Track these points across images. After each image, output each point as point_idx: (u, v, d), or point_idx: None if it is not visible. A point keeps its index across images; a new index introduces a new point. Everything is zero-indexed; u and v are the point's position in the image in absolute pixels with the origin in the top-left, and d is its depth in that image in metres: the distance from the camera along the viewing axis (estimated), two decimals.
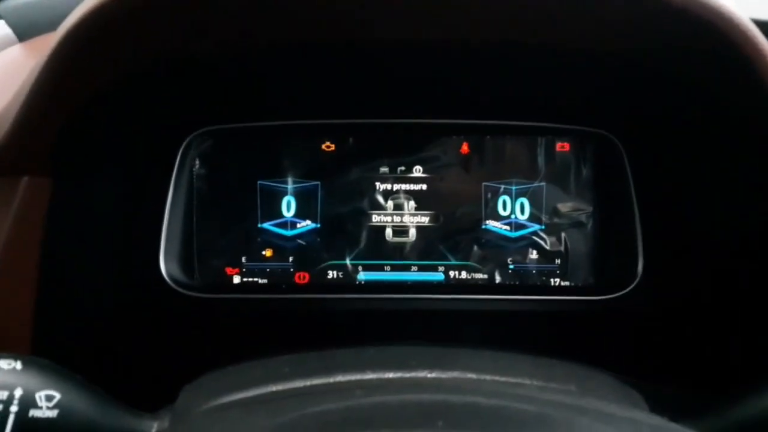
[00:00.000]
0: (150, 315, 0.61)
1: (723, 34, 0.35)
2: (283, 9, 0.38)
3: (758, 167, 0.46)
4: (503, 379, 0.30)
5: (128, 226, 0.59)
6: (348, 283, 0.64)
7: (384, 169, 0.64)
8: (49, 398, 0.32)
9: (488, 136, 0.64)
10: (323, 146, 0.64)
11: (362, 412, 0.24)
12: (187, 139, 0.62)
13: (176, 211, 0.62)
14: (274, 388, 0.31)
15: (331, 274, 0.64)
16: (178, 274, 0.62)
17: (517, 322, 0.63)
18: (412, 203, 0.64)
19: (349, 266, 0.64)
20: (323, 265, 0.64)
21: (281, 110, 0.63)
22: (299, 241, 0.64)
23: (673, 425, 0.28)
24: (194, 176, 0.63)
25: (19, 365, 0.32)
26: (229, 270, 0.64)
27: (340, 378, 0.30)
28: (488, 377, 0.29)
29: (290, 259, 0.64)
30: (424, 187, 0.64)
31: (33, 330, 0.46)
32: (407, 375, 0.30)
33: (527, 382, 0.30)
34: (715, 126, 0.48)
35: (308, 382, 0.30)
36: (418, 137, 0.64)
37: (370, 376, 0.29)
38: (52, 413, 0.32)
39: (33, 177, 0.45)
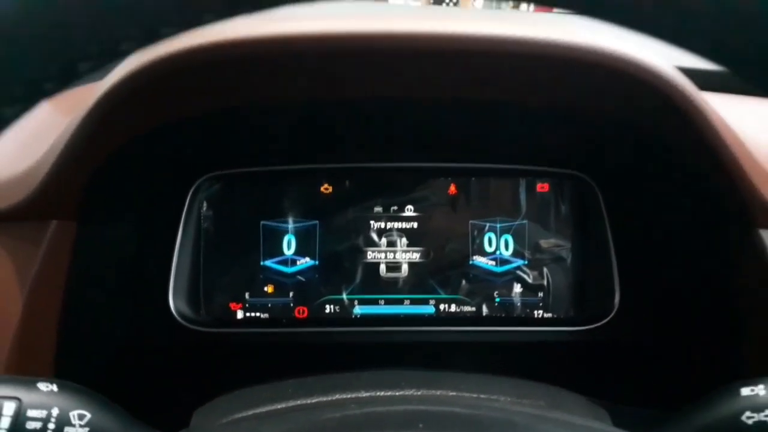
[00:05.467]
0: (159, 348, 0.65)
1: (663, 93, 0.41)
2: (298, 76, 0.44)
3: (710, 209, 0.51)
4: (481, 395, 0.34)
5: (141, 264, 0.64)
6: (344, 316, 0.68)
7: (378, 209, 0.69)
8: (81, 417, 0.36)
9: (474, 178, 0.69)
10: (321, 188, 0.69)
11: (355, 419, 0.28)
12: (196, 183, 0.67)
13: (185, 251, 0.66)
14: (279, 405, 0.35)
15: (329, 308, 0.68)
16: (186, 309, 0.66)
17: (503, 351, 0.67)
18: (404, 240, 0.69)
19: (346, 301, 0.68)
20: (321, 300, 0.68)
21: (282, 156, 0.68)
22: (299, 277, 0.68)
23: None
24: (202, 217, 0.68)
25: (55, 388, 0.37)
26: (233, 305, 0.68)
27: (337, 396, 0.34)
28: (467, 394, 0.34)
29: (290, 294, 0.68)
30: (415, 225, 0.69)
31: (56, 358, 0.50)
32: (397, 393, 0.34)
33: (502, 398, 0.34)
34: (670, 171, 0.54)
35: (309, 400, 0.34)
36: (409, 179, 0.69)
37: (363, 394, 0.34)
38: (84, 430, 0.36)
39: (60, 221, 0.50)
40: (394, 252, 0.69)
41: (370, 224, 0.69)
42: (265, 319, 0.68)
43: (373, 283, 0.68)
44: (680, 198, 0.56)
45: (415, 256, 0.68)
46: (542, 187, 0.69)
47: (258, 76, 0.44)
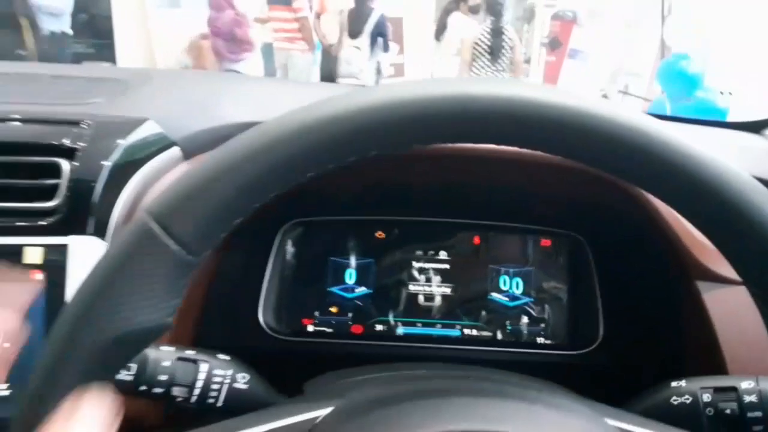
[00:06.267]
0: (250, 349, 0.85)
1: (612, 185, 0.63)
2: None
3: (664, 266, 0.72)
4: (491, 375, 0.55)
5: (241, 285, 0.85)
6: (390, 334, 0.88)
7: (419, 253, 0.90)
8: (243, 377, 0.56)
9: (493, 232, 0.90)
10: (377, 235, 0.90)
11: (429, 377, 0.49)
12: (283, 228, 0.88)
13: (272, 278, 0.87)
14: (370, 375, 0.55)
15: (379, 327, 0.88)
16: (271, 322, 0.87)
17: (512, 368, 0.86)
18: (438, 278, 0.89)
19: (392, 322, 0.88)
20: (373, 320, 0.88)
21: (349, 209, 0.90)
22: (356, 302, 0.89)
23: (594, 403, 0.52)
24: (285, 253, 0.89)
25: (228, 357, 0.57)
26: (305, 321, 0.88)
27: (409, 372, 0.55)
28: (481, 374, 0.54)
29: (349, 315, 0.88)
30: (447, 266, 0.89)
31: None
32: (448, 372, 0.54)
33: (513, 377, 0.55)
34: (634, 237, 0.75)
35: (391, 372, 0.55)
36: (444, 231, 0.90)
37: (424, 371, 0.54)
38: (245, 386, 0.56)
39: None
40: (429, 286, 0.89)
41: (412, 264, 0.89)
42: (329, 333, 0.88)
43: (413, 309, 0.88)
44: (644, 257, 0.77)
45: (446, 290, 0.89)
46: (545, 243, 0.90)
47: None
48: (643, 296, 0.80)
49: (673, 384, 0.58)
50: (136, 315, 0.37)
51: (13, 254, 0.62)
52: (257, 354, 0.86)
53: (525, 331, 0.88)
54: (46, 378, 0.37)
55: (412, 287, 0.88)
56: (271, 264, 0.87)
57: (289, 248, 0.89)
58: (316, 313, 0.88)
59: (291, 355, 0.87)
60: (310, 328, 0.88)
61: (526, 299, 0.88)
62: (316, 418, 0.44)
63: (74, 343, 0.37)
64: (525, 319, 0.88)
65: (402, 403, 0.42)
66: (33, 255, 0.62)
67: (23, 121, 0.69)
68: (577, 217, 0.85)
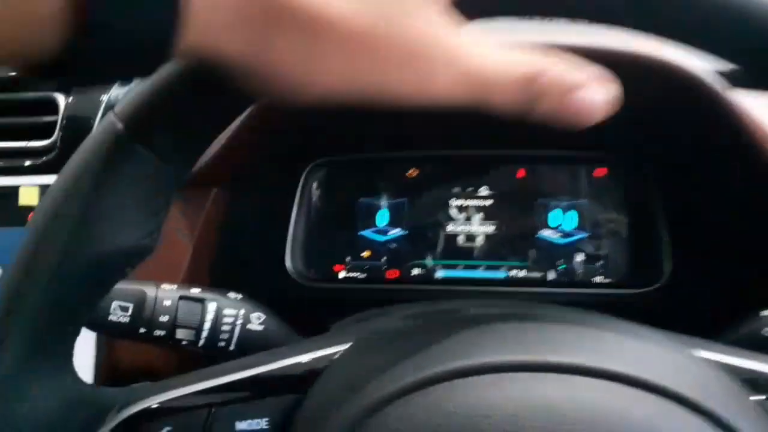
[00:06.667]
0: (277, 298, 0.80)
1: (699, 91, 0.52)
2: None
3: (746, 187, 0.61)
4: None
5: (265, 231, 0.79)
6: (428, 278, 0.81)
7: (457, 189, 0.81)
8: (258, 318, 0.50)
9: (539, 164, 0.81)
10: (409, 172, 0.82)
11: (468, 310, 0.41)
12: (308, 168, 0.81)
13: (299, 222, 0.81)
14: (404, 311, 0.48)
15: (416, 271, 0.81)
16: (300, 268, 0.81)
17: None
18: (479, 216, 0.81)
19: (430, 265, 0.81)
20: (409, 263, 0.81)
21: (378, 145, 0.82)
22: (390, 245, 0.81)
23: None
24: (311, 196, 0.82)
25: (239, 296, 0.51)
26: (336, 267, 0.82)
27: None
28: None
29: (383, 259, 0.81)
30: (489, 203, 0.81)
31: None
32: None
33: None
34: (711, 157, 0.64)
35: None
36: (484, 164, 0.81)
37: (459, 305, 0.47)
38: (260, 327, 0.50)
39: (219, 189, 0.65)
40: (470, 225, 0.81)
41: (450, 202, 0.81)
42: (362, 278, 0.81)
43: (453, 250, 0.80)
44: (721, 177, 0.66)
45: (489, 229, 0.80)
46: (600, 171, 0.79)
47: None
48: (718, 223, 0.69)
49: (764, 313, 0.48)
50: (104, 234, 0.31)
51: (10, 195, 0.57)
52: (285, 303, 0.81)
53: (580, 270, 0.79)
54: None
55: (450, 227, 0.80)
56: (296, 208, 0.81)
57: (315, 191, 0.82)
58: (348, 258, 0.82)
59: (323, 303, 0.81)
60: (342, 274, 0.82)
61: (579, 235, 0.79)
62: (334, 354, 0.37)
63: (35, 269, 0.31)
64: (579, 257, 0.79)
65: (433, 333, 0.34)
66: (29, 196, 0.57)
67: None
68: (637, 138, 0.74)
